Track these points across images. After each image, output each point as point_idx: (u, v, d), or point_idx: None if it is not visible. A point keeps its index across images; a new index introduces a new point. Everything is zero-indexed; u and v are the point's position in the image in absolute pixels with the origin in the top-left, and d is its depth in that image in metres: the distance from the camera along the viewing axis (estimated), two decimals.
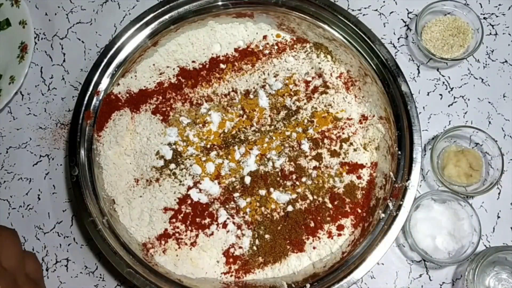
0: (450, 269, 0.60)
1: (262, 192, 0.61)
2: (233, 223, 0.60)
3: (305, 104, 0.64)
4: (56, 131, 0.69)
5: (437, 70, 0.67)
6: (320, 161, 0.61)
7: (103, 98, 0.64)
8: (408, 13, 0.69)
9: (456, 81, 0.66)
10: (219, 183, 0.61)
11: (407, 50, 0.68)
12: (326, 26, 0.63)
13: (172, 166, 0.62)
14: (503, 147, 0.62)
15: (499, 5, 0.69)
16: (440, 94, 0.66)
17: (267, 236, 0.59)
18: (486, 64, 0.67)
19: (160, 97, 0.65)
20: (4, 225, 0.66)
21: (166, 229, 0.60)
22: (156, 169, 0.62)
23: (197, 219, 0.60)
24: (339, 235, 0.59)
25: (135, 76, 0.66)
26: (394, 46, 0.68)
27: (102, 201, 0.60)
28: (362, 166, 0.61)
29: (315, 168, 0.61)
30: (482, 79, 0.66)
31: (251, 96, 0.64)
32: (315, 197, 0.60)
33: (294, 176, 0.61)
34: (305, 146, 0.62)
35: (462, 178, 0.61)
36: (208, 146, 0.63)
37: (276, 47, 0.66)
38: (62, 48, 0.72)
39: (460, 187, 0.61)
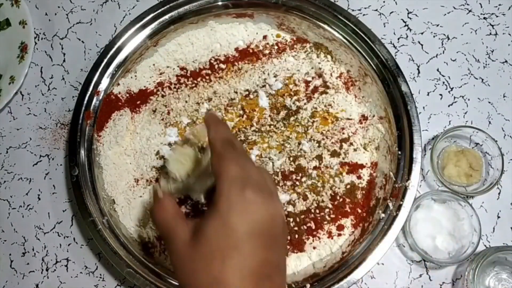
0: (450, 269, 0.60)
1: None
2: None
3: (305, 104, 0.64)
4: (56, 131, 0.69)
5: (437, 70, 0.67)
6: (320, 161, 0.61)
7: (103, 98, 0.64)
8: (408, 13, 0.69)
9: (456, 81, 0.66)
10: None
11: (407, 50, 0.68)
12: (326, 26, 0.63)
13: None
14: (503, 147, 0.62)
15: (499, 5, 0.69)
16: (440, 94, 0.66)
17: None
18: (486, 64, 0.67)
19: (160, 97, 0.65)
20: (5, 225, 0.66)
21: None
22: (156, 169, 0.62)
23: None
24: (339, 235, 0.59)
25: (135, 76, 0.66)
26: (394, 46, 0.68)
27: (102, 201, 0.60)
28: (362, 166, 0.61)
29: (315, 168, 0.61)
30: (482, 79, 0.66)
31: (251, 96, 0.64)
32: (315, 197, 0.60)
33: (294, 176, 0.61)
34: (305, 146, 0.62)
35: (462, 178, 0.61)
36: None
37: (276, 47, 0.66)
38: (62, 48, 0.72)
39: (460, 187, 0.61)
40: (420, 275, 0.60)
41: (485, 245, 0.60)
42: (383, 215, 0.56)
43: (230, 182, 0.38)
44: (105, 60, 0.64)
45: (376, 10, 0.70)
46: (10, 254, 0.65)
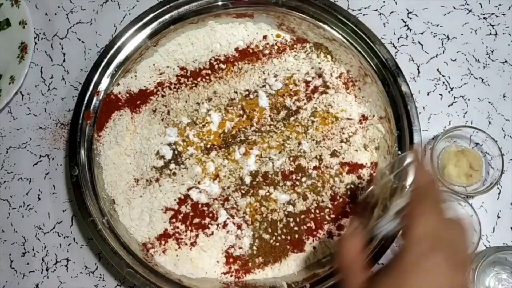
0: None
1: (262, 192, 0.61)
2: (233, 223, 0.60)
3: (305, 104, 0.64)
4: (56, 131, 0.69)
5: (437, 70, 0.67)
6: (320, 161, 0.61)
7: (103, 98, 0.64)
8: (408, 13, 0.69)
9: (456, 81, 0.66)
10: (219, 183, 0.61)
11: (407, 50, 0.68)
12: (326, 26, 0.63)
13: (172, 166, 0.62)
14: (503, 147, 0.62)
15: (499, 5, 0.69)
16: (440, 94, 0.66)
17: (267, 236, 0.59)
18: (486, 64, 0.67)
19: (160, 97, 0.65)
20: (5, 225, 0.66)
21: (166, 229, 0.60)
22: (156, 169, 0.62)
23: (197, 219, 0.60)
24: (339, 235, 0.59)
25: (135, 76, 0.66)
26: (394, 46, 0.68)
27: (102, 201, 0.60)
28: (362, 166, 0.61)
29: (315, 168, 0.61)
30: (482, 79, 0.66)
31: (251, 96, 0.64)
32: (315, 197, 0.60)
33: (294, 176, 0.61)
34: (305, 146, 0.62)
35: (462, 178, 0.61)
36: (208, 146, 0.63)
37: (276, 47, 0.66)
38: (62, 48, 0.72)
39: (460, 187, 0.61)
40: None
41: (485, 245, 0.60)
42: None
43: (417, 240, 0.35)
44: (105, 60, 0.64)
45: (376, 10, 0.70)
46: (10, 254, 0.65)
